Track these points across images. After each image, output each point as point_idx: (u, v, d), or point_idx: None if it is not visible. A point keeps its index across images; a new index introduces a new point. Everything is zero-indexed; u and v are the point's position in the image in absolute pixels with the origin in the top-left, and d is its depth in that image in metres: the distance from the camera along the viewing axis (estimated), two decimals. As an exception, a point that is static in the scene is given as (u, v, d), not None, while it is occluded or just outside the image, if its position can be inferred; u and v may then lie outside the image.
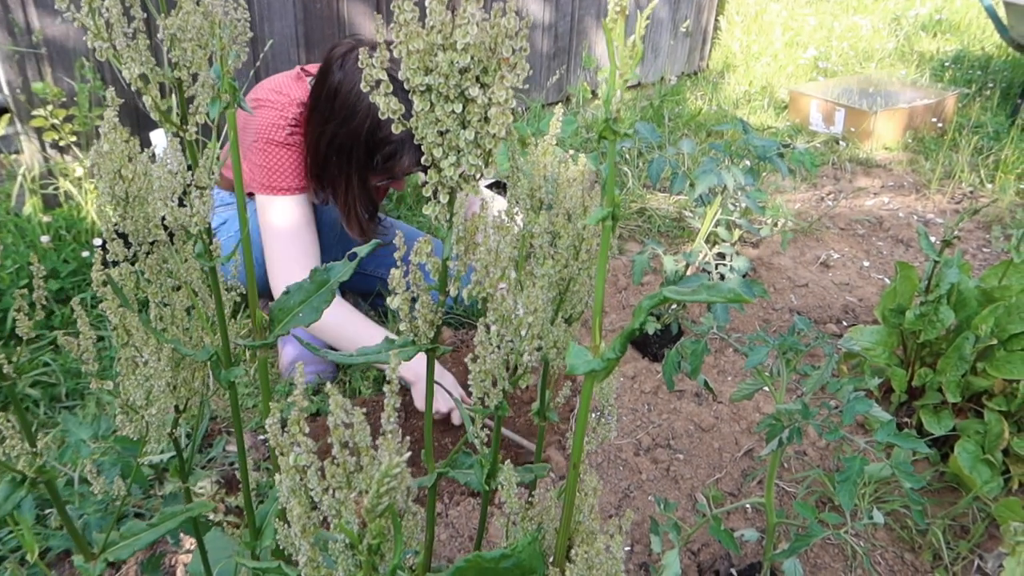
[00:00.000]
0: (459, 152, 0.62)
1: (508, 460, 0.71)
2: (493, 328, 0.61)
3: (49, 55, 2.39)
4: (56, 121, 2.38)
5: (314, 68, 1.80)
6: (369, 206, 1.81)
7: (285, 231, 1.77)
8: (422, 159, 0.63)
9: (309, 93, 1.74)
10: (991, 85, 4.35)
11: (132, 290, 0.73)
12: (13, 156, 2.44)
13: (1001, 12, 4.13)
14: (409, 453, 0.41)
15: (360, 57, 0.60)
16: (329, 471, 0.49)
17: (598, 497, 0.64)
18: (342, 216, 1.81)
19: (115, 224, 0.68)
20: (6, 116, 2.39)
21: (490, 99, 0.60)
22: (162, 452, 0.85)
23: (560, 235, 0.63)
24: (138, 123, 2.58)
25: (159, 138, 2.26)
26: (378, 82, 0.61)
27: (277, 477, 0.53)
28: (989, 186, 3.25)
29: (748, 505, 1.65)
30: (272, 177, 1.75)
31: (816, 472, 1.70)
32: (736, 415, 1.92)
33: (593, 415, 0.72)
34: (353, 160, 1.70)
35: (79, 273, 2.17)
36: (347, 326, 1.76)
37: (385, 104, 0.61)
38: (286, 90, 1.77)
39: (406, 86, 0.61)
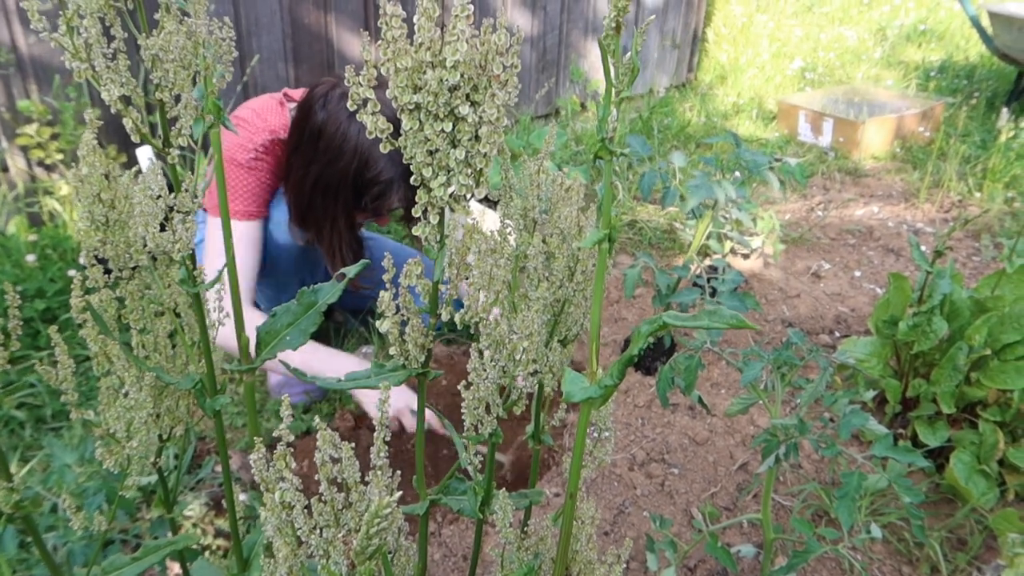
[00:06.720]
0: (449, 172, 0.60)
1: (498, 487, 0.69)
2: (487, 353, 0.60)
3: (35, 73, 2.36)
4: (42, 139, 2.35)
5: (298, 94, 1.74)
6: (355, 246, 1.76)
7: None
8: (411, 179, 0.61)
9: (288, 132, 1.68)
10: (976, 94, 4.38)
11: (113, 316, 0.70)
12: (-2, 174, 2.41)
13: (985, 22, 4.16)
14: (400, 493, 0.40)
15: (346, 82, 0.58)
16: (316, 509, 0.47)
17: (595, 526, 0.62)
18: (326, 257, 1.76)
19: (95, 249, 0.66)
20: (-10, 134, 2.36)
21: (480, 117, 0.58)
22: (149, 474, 0.83)
23: (555, 256, 0.61)
24: (126, 140, 2.55)
25: (147, 154, 2.23)
26: (365, 100, 0.59)
27: (263, 513, 0.51)
28: (977, 195, 3.26)
29: (744, 520, 1.63)
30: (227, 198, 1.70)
31: (812, 485, 1.68)
32: (730, 428, 1.90)
33: (589, 437, 0.70)
34: (340, 201, 1.64)
35: (66, 292, 2.13)
36: (313, 363, 1.67)
37: (372, 123, 0.60)
38: (265, 114, 1.72)
39: (394, 105, 0.59)
